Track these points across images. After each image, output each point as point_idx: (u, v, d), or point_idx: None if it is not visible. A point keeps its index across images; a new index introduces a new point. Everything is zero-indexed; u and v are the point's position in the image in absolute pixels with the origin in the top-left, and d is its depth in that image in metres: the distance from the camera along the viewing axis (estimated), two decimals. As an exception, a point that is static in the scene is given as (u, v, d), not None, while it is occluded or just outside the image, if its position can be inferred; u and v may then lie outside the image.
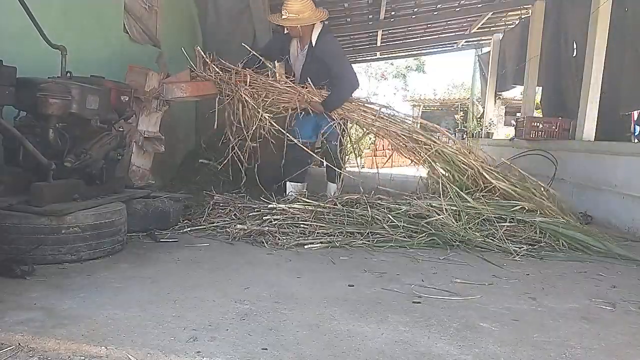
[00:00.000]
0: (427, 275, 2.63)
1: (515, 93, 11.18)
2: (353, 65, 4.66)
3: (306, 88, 3.97)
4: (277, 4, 4.27)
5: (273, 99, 3.92)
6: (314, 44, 4.00)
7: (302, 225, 3.29)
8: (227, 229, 3.30)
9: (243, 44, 4.28)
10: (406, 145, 4.02)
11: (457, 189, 3.68)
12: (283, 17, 3.94)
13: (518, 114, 8.15)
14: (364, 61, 17.61)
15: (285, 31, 4.16)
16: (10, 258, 2.27)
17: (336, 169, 4.10)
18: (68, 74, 2.93)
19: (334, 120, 4.01)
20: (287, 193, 4.08)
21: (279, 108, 3.96)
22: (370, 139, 13.27)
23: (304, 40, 4.07)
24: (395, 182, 4.16)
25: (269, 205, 3.42)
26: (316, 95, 3.98)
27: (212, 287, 2.26)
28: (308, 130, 4.10)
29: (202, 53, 3.93)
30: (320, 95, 3.99)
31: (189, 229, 3.36)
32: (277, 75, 4.07)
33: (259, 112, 3.83)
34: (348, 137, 4.39)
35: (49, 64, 2.98)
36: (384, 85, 23.97)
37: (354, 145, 4.48)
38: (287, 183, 4.18)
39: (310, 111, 3.99)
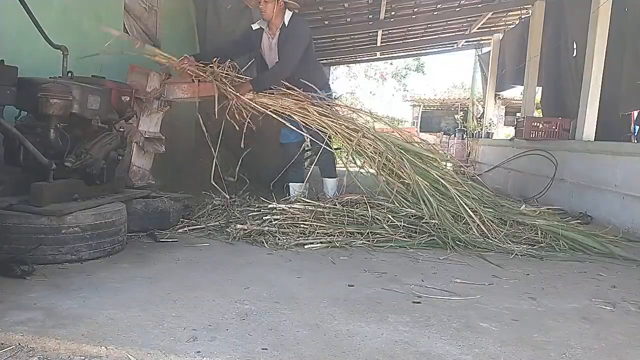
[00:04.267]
0: (427, 275, 2.63)
1: (515, 93, 11.18)
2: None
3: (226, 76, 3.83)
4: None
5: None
6: (286, 24, 3.96)
7: (302, 225, 3.29)
8: (227, 229, 3.30)
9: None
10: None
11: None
12: None
13: (518, 114, 8.16)
14: (364, 61, 17.63)
15: (255, 27, 4.11)
16: (10, 258, 2.27)
17: (326, 165, 4.08)
18: (69, 74, 2.94)
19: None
20: (290, 194, 4.09)
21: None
22: None
23: (274, 25, 4.01)
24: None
25: (269, 205, 3.42)
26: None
27: (212, 287, 2.26)
28: (294, 130, 4.07)
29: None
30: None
31: (188, 228, 3.37)
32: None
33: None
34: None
35: (50, 64, 2.98)
36: (383, 85, 24.01)
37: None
38: (290, 184, 4.18)
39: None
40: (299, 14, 4.08)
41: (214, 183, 3.73)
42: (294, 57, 3.92)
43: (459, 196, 3.50)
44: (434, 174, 3.69)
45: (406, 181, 3.62)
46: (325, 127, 3.81)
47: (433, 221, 3.32)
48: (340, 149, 4.11)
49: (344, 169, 3.85)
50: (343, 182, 4.12)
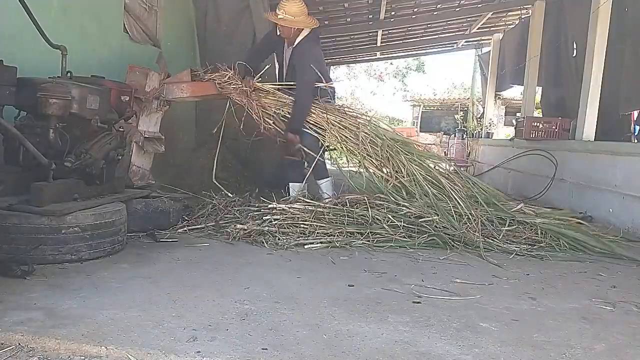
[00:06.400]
0: (427, 275, 2.63)
1: (515, 93, 11.17)
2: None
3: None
4: (277, 3, 4.26)
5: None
6: (294, 45, 4.16)
7: (302, 225, 3.29)
8: (227, 229, 3.30)
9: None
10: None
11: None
12: (279, 16, 4.02)
13: (518, 114, 8.15)
14: (364, 61, 17.62)
15: (278, 32, 4.26)
16: (10, 258, 2.27)
17: (318, 166, 4.12)
18: (68, 74, 2.94)
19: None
20: (290, 194, 4.09)
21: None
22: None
23: (290, 42, 4.21)
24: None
25: (269, 205, 3.42)
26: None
27: (212, 287, 2.26)
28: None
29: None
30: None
31: (188, 228, 3.36)
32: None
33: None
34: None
35: (50, 64, 2.98)
36: (384, 85, 24.01)
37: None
38: (289, 184, 4.19)
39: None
40: (312, 39, 4.16)
41: (216, 182, 3.74)
42: (308, 85, 4.03)
43: (454, 192, 3.53)
44: (428, 168, 3.75)
45: (404, 178, 3.66)
46: (323, 125, 3.86)
47: (432, 218, 3.32)
48: (339, 148, 4.12)
49: (343, 169, 3.86)
50: (342, 183, 4.13)
